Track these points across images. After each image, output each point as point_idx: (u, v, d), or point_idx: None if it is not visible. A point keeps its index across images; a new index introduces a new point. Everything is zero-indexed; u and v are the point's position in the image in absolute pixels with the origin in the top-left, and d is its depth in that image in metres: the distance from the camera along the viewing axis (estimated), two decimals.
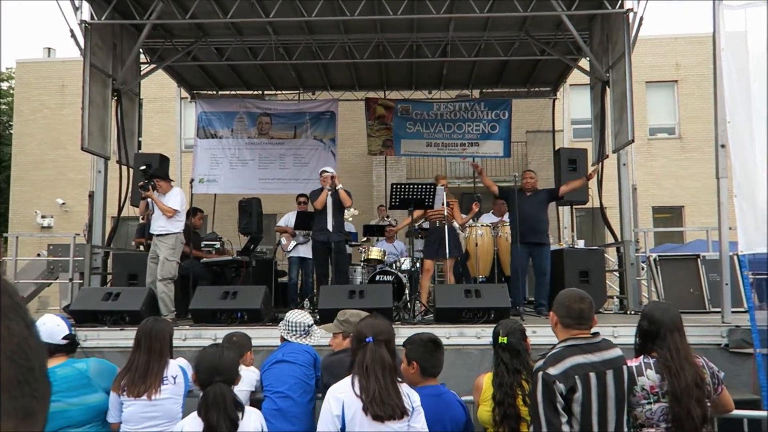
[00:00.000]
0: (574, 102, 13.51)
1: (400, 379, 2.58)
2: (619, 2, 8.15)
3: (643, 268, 8.60)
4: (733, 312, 5.91)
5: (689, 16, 28.83)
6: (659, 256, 8.23)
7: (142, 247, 8.47)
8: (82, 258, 8.35)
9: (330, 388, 2.58)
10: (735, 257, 6.89)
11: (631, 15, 7.93)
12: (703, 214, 15.00)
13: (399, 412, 2.43)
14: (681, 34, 16.79)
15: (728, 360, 5.33)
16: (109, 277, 8.49)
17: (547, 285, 7.33)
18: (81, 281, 8.27)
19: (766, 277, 5.78)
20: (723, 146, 5.65)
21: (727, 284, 5.82)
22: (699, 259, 7.94)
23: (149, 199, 6.65)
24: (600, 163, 9.00)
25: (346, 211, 7.63)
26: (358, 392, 2.45)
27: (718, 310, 6.21)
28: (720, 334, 5.56)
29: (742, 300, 7.22)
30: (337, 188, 7.24)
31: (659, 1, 12.73)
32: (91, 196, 8.59)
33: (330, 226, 7.18)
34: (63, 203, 16.89)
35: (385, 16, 8.54)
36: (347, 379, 2.54)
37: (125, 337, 5.51)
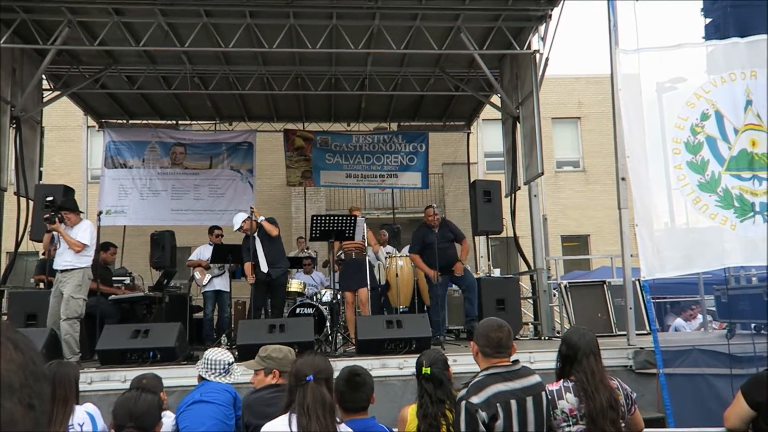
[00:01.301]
0: (487, 136, 14.11)
1: (338, 419, 2.52)
2: (527, 43, 8.66)
3: (554, 295, 8.98)
4: (637, 335, 6.27)
5: (590, 58, 31.06)
6: (569, 282, 8.62)
7: (42, 285, 7.89)
8: None
9: (263, 427, 2.48)
10: (637, 282, 7.34)
11: (537, 56, 8.43)
12: (607, 242, 15.93)
13: None
14: (582, 75, 17.99)
15: (634, 381, 5.61)
16: (4, 317, 7.82)
17: (475, 300, 7.48)
18: None
19: (665, 300, 6.21)
20: (623, 179, 6.06)
21: (631, 308, 6.18)
22: (605, 285, 8.38)
23: (54, 233, 6.23)
24: (513, 195, 9.41)
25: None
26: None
27: (624, 333, 6.56)
28: (626, 356, 5.87)
29: (644, 323, 7.68)
30: (258, 221, 7.07)
31: (563, 42, 13.62)
32: None
33: (264, 266, 6.99)
34: None
35: (304, 50, 8.60)
36: (282, 419, 2.44)
37: None
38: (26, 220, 8.46)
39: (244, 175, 11.85)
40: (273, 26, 8.28)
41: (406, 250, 9.09)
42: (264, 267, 6.96)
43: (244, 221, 7.04)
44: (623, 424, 2.89)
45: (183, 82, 10.24)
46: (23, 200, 8.55)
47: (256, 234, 7.03)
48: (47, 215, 6.15)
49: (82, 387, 3.91)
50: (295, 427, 2.36)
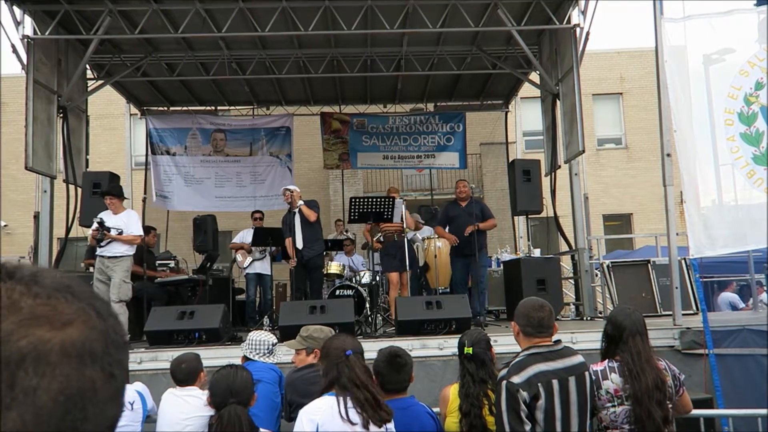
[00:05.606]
0: (526, 114, 13.84)
1: None
2: (567, 18, 8.42)
3: (596, 275, 8.82)
4: (682, 314, 6.12)
5: (631, 31, 30.07)
6: (612, 262, 8.44)
7: (92, 269, 8.16)
8: None
9: (302, 409, 2.53)
10: (683, 261, 7.14)
11: (578, 30, 8.19)
12: (650, 220, 15.53)
13: (389, 416, 2.50)
14: (624, 49, 17.43)
15: (681, 361, 5.49)
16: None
17: (483, 295, 7.44)
18: None
19: (712, 279, 6.03)
20: (668, 155, 5.87)
21: (677, 288, 6.02)
22: (649, 265, 8.17)
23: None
24: (553, 174, 9.23)
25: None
26: (354, 406, 2.42)
27: (669, 313, 6.40)
28: (672, 337, 5.74)
29: (690, 303, 7.48)
30: (298, 206, 7.14)
31: (604, 16, 13.20)
32: (37, 216, 8.26)
33: (300, 244, 7.07)
34: (5, 225, 16.19)
35: (339, 31, 8.57)
36: (324, 401, 2.49)
37: None
38: (75, 207, 8.75)
39: (283, 161, 11.97)
40: (308, 9, 8.27)
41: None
42: (299, 244, 7.04)
43: (287, 190, 7.18)
44: (671, 406, 2.83)
45: (221, 68, 10.35)
46: (71, 187, 8.83)
47: (296, 211, 7.12)
48: (98, 236, 6.25)
49: (131, 367, 4.05)
50: (349, 404, 2.40)
